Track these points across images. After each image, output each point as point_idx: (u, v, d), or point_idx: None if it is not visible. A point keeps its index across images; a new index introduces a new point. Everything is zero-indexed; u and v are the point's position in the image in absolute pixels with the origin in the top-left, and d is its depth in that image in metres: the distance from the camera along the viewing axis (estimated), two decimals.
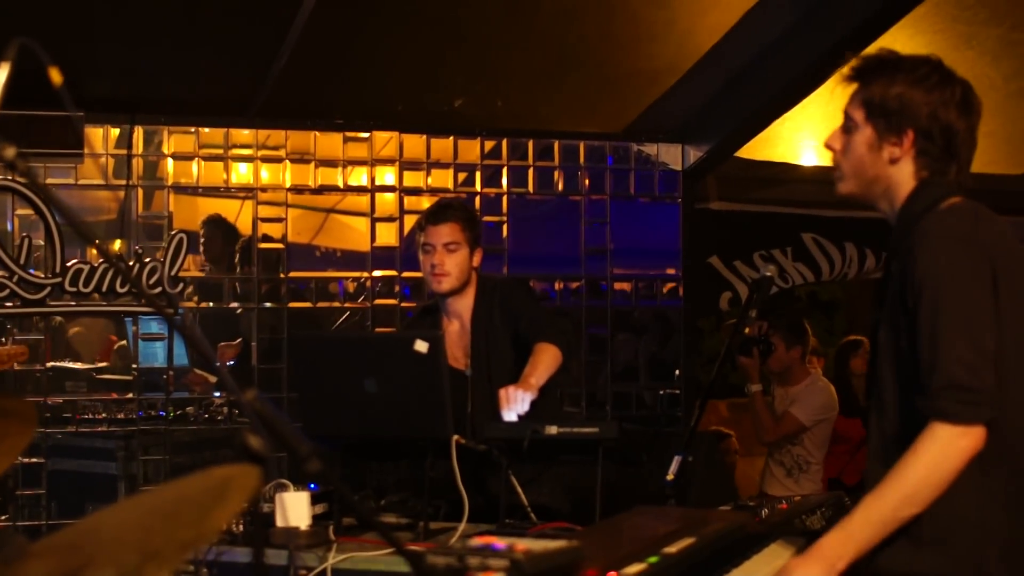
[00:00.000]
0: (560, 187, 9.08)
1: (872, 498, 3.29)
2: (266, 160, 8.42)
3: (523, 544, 2.76)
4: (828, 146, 3.64)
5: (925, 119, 3.44)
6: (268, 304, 8.39)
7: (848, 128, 3.59)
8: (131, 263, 7.77)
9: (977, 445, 3.20)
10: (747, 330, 7.99)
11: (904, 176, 3.49)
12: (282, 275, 8.42)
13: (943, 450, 3.20)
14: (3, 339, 7.71)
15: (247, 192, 8.42)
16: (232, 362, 8.32)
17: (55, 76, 2.31)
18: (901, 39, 7.41)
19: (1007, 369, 3.28)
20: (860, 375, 9.12)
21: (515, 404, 5.21)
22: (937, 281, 3.25)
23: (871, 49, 7.09)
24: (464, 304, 5.87)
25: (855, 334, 10.50)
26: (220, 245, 8.44)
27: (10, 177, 7.52)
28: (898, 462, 3.24)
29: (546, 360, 5.50)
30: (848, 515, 3.33)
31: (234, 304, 8.33)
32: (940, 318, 3.22)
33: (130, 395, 8.04)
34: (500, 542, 2.76)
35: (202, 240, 8.33)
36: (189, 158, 8.23)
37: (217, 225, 8.43)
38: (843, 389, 8.86)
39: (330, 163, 8.53)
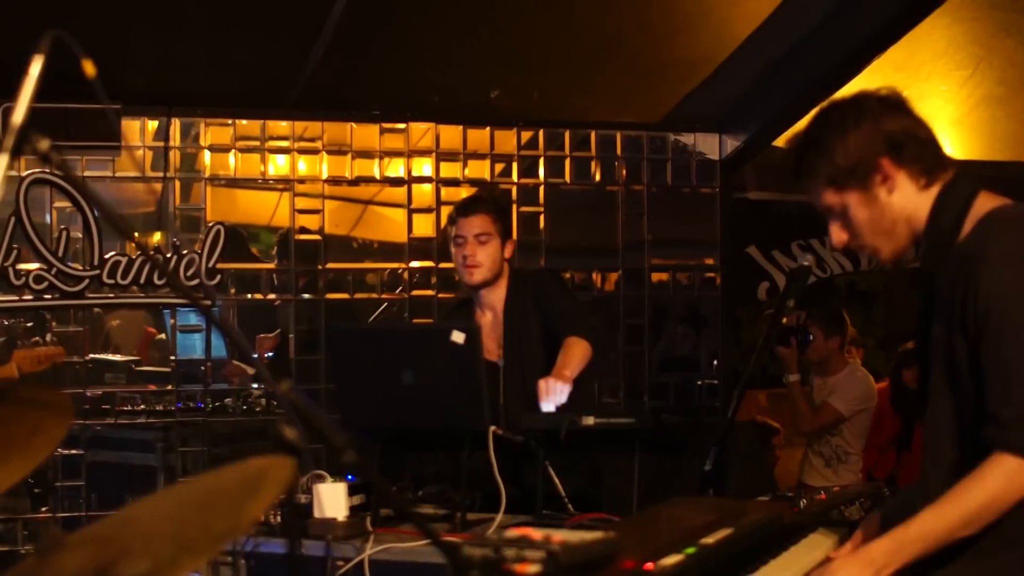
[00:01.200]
0: (597, 178, 9.07)
1: (931, 515, 3.26)
2: (303, 152, 8.42)
3: (559, 535, 2.75)
4: (838, 245, 3.59)
5: (882, 141, 3.40)
6: (306, 296, 8.39)
7: (836, 215, 3.53)
8: (168, 255, 7.78)
9: None
10: (785, 320, 7.97)
11: (911, 197, 3.42)
12: (319, 267, 8.42)
13: (1011, 481, 3.16)
14: (42, 336, 7.74)
15: (284, 184, 8.42)
16: (270, 354, 8.33)
17: (88, 68, 2.31)
18: (939, 27, 7.39)
19: None
20: (913, 389, 9.04)
21: (554, 395, 5.20)
22: (1004, 308, 3.18)
23: (907, 39, 7.08)
24: (497, 296, 5.89)
25: (894, 325, 10.46)
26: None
27: (48, 170, 7.53)
28: (960, 485, 3.20)
29: (577, 354, 5.50)
30: (903, 525, 3.30)
31: (271, 296, 8.34)
32: (1008, 348, 3.16)
33: (169, 387, 8.06)
34: (537, 533, 2.75)
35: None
36: (226, 150, 8.24)
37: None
38: (897, 393, 8.79)
39: (367, 154, 8.53)
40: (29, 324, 7.82)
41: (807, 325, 8.12)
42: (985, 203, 3.37)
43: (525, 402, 5.53)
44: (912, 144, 3.39)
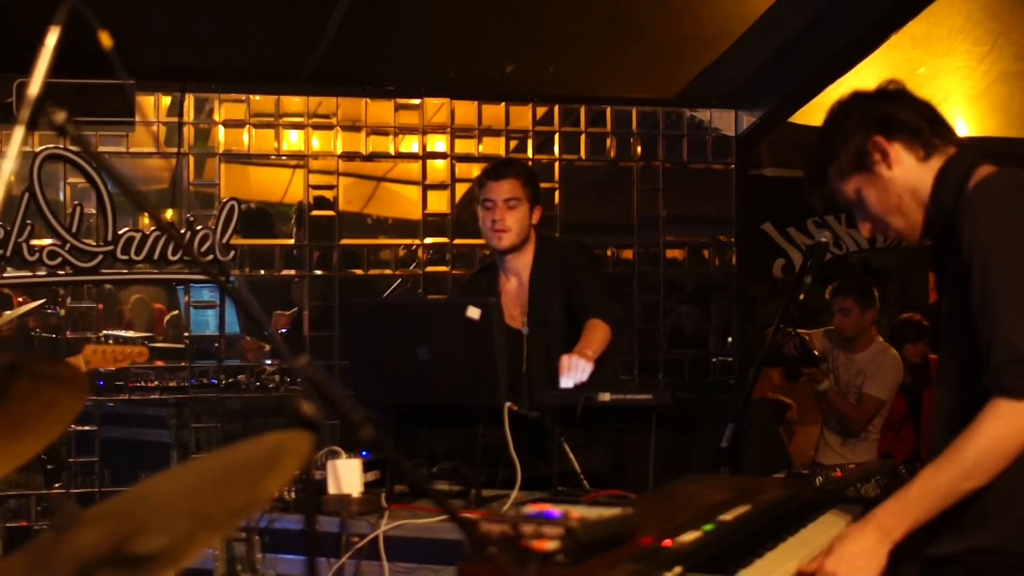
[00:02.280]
0: (612, 153, 9.06)
1: (932, 470, 3.26)
2: (317, 128, 8.42)
3: (578, 512, 2.73)
4: (866, 235, 3.66)
5: (871, 123, 3.43)
6: (319, 272, 8.38)
7: (855, 206, 3.60)
8: (183, 231, 7.78)
9: None
10: (790, 345, 8.02)
11: (912, 169, 3.45)
12: (333, 243, 8.41)
13: (1007, 425, 3.15)
14: (59, 309, 7.75)
15: (298, 160, 8.41)
16: (284, 330, 8.32)
17: (105, 40, 2.28)
18: (958, 2, 7.38)
19: None
20: (913, 364, 9.01)
21: (575, 372, 5.18)
22: (985, 253, 3.19)
23: (924, 15, 7.06)
24: (523, 262, 5.87)
25: (908, 301, 10.43)
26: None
27: (62, 146, 7.53)
28: (960, 436, 3.20)
29: (599, 336, 5.48)
30: (906, 486, 3.29)
31: (285, 272, 8.33)
32: (992, 290, 3.17)
33: (182, 363, 8.06)
34: (555, 509, 2.74)
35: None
36: (240, 126, 8.23)
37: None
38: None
39: (381, 130, 8.52)
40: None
41: (807, 343, 8.13)
42: (985, 172, 3.37)
43: (547, 373, 5.53)
44: (900, 119, 3.42)
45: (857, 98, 3.54)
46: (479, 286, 6.04)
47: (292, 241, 8.38)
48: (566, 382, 5.15)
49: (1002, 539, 3.28)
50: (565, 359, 5.21)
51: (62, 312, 7.77)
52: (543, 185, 8.63)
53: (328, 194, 8.42)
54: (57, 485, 7.76)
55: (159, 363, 8.01)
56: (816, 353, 8.12)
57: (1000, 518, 3.26)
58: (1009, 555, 3.29)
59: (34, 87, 2.15)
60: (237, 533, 4.52)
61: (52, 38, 2.22)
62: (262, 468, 1.92)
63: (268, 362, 8.15)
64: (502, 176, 5.81)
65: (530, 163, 8.77)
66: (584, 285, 5.76)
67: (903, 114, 3.44)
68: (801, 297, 4.99)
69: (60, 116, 2.14)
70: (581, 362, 5.20)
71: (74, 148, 7.50)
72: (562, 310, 5.76)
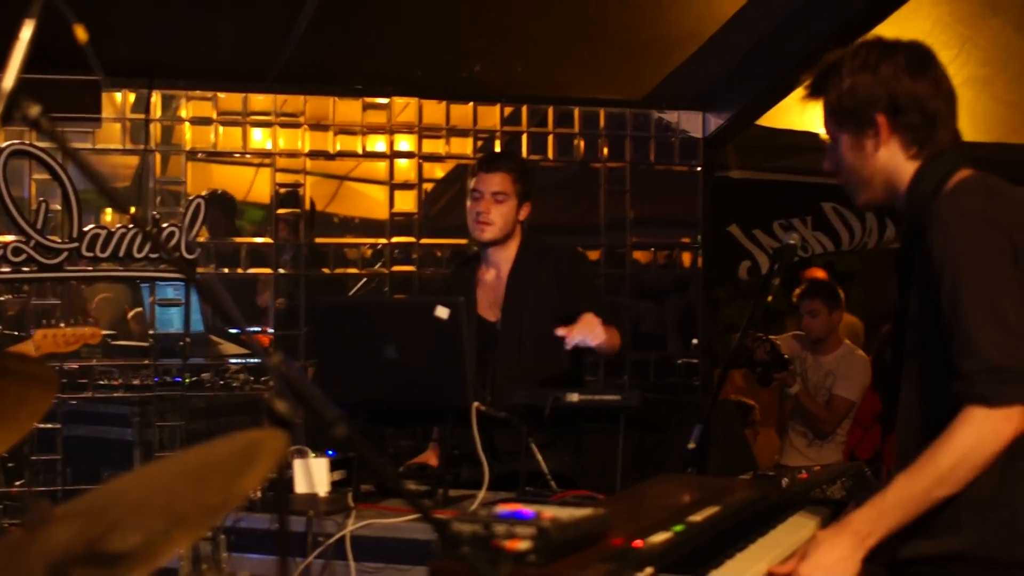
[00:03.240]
0: (580, 154, 9.04)
1: (906, 478, 3.26)
2: (284, 126, 8.39)
3: (550, 512, 2.73)
4: (825, 170, 3.64)
5: (886, 97, 3.42)
6: (282, 271, 8.35)
7: (831, 144, 3.60)
8: (149, 228, 7.75)
9: (1019, 426, 3.17)
10: (761, 350, 8.05)
11: (898, 160, 3.47)
12: (300, 241, 8.38)
13: (980, 434, 3.17)
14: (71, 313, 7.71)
15: (265, 158, 8.38)
16: (252, 328, 8.30)
17: (80, 33, 2.27)
18: (926, 6, 7.39)
19: None
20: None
21: (587, 329, 5.16)
22: (956, 263, 3.20)
23: (892, 19, 7.09)
24: (504, 255, 5.86)
25: (871, 304, 10.47)
26: (223, 222, 8.41)
27: (27, 141, 7.49)
28: (933, 444, 3.21)
29: (612, 334, 5.44)
30: (881, 493, 3.30)
31: (253, 270, 8.30)
32: (963, 301, 3.18)
33: (146, 361, 8.01)
34: (527, 509, 2.73)
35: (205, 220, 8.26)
36: (207, 123, 8.19)
37: (216, 202, 8.39)
38: (879, 372, 8.83)
39: (349, 130, 8.49)
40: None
41: (776, 348, 8.16)
42: (961, 176, 3.39)
43: (518, 369, 5.54)
44: (913, 112, 3.41)
45: (896, 55, 3.47)
46: (461, 277, 6.04)
47: (259, 239, 8.35)
48: (574, 340, 5.13)
49: (973, 544, 3.29)
50: (587, 316, 5.20)
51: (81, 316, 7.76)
52: None
53: (294, 193, 8.38)
54: (18, 483, 7.70)
55: (123, 361, 7.96)
56: (786, 357, 8.16)
57: (971, 523, 3.28)
58: (980, 560, 3.30)
59: (8, 81, 2.13)
60: (205, 533, 4.50)
61: (27, 31, 2.20)
62: (237, 466, 1.91)
63: (232, 361, 8.12)
64: (493, 169, 5.81)
65: None
66: (588, 300, 5.71)
67: (917, 109, 3.42)
68: (769, 299, 5.01)
69: (34, 110, 2.12)
70: (595, 321, 5.19)
71: (40, 144, 7.45)
72: (546, 308, 5.73)
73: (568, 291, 5.71)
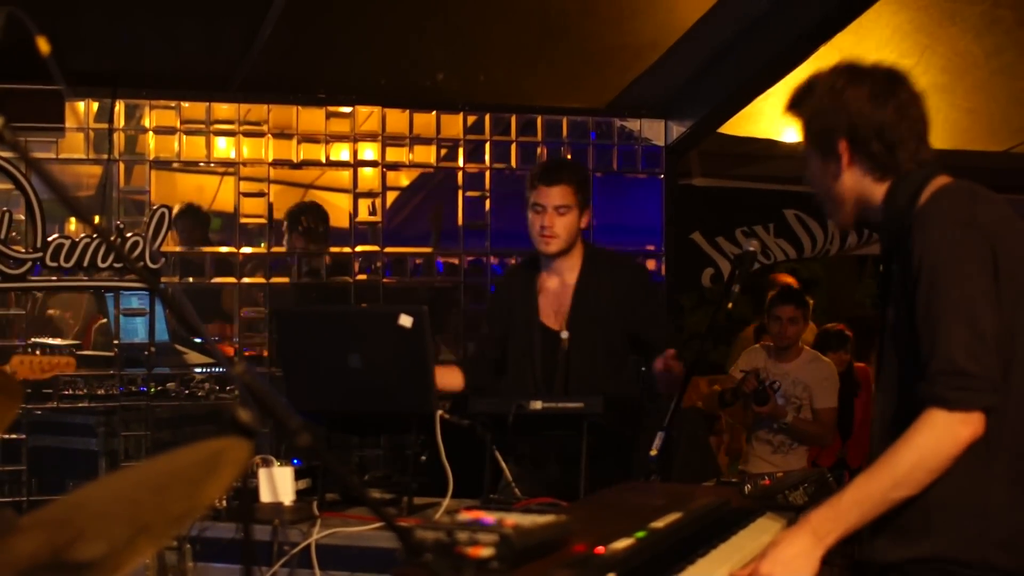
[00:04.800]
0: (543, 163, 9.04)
1: (864, 479, 3.29)
2: (248, 135, 8.38)
3: (512, 519, 2.75)
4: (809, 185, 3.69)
5: (847, 126, 3.46)
6: (246, 280, 8.34)
7: (808, 162, 3.65)
8: (113, 238, 7.73)
9: (975, 432, 3.19)
10: (748, 386, 8.10)
11: (864, 184, 3.51)
12: (265, 250, 8.38)
13: (938, 437, 3.19)
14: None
15: (229, 167, 8.38)
16: (216, 337, 8.29)
17: (43, 45, 2.28)
18: (885, 15, 7.43)
19: (1012, 352, 3.27)
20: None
21: (671, 383, 5.25)
22: (934, 265, 3.23)
23: (852, 27, 7.13)
24: (568, 264, 5.90)
25: (835, 311, 10.51)
26: (198, 232, 8.42)
27: None
28: (893, 445, 3.24)
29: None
30: (839, 493, 3.33)
31: (217, 279, 8.29)
32: (938, 302, 3.21)
33: (111, 371, 7.99)
34: (489, 517, 2.75)
35: (178, 233, 8.26)
36: (171, 132, 8.18)
37: (189, 215, 8.40)
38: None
39: (312, 138, 8.49)
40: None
41: (771, 385, 8.19)
42: (940, 183, 3.41)
43: (589, 380, 5.61)
44: (873, 142, 3.44)
45: (863, 82, 3.50)
46: (516, 281, 6.14)
47: (223, 249, 8.34)
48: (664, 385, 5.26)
49: (944, 547, 3.32)
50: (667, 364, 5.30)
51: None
52: (473, 194, 8.70)
53: (259, 202, 8.38)
54: None
55: (88, 371, 7.93)
56: (774, 387, 8.18)
57: (940, 527, 3.31)
58: (948, 563, 3.33)
59: None
60: (169, 542, 4.50)
61: None
62: (201, 475, 1.92)
63: (197, 370, 8.10)
64: (554, 182, 5.79)
65: (460, 172, 8.77)
66: (657, 335, 5.81)
67: (880, 136, 3.45)
68: (729, 306, 5.02)
69: None
70: (678, 371, 5.31)
71: (3, 154, 7.43)
72: (612, 325, 5.82)
73: (636, 311, 5.80)
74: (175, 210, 8.19)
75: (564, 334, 5.79)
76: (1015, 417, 3.28)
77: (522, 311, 5.94)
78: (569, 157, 9.02)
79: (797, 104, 3.62)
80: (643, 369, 9.04)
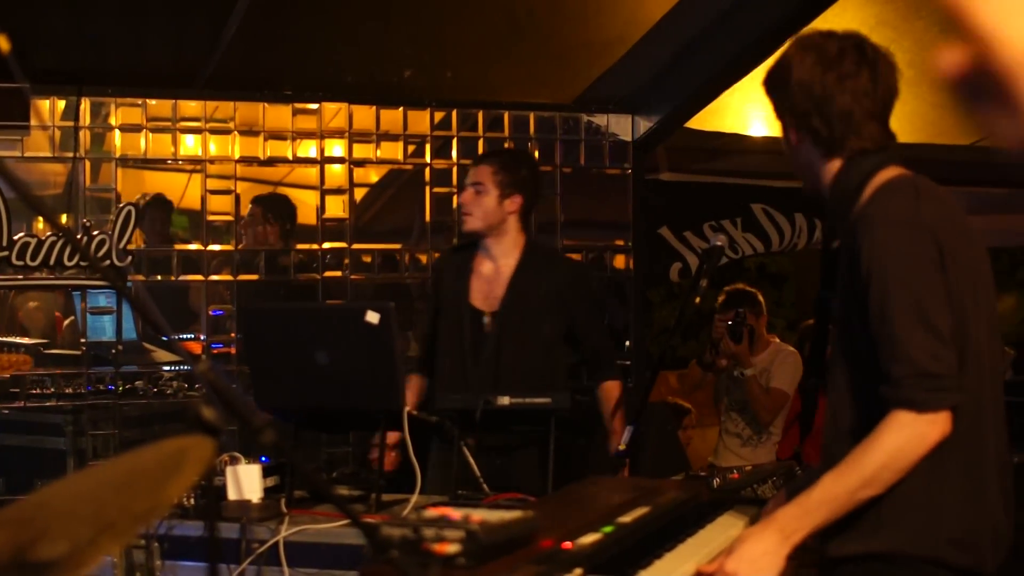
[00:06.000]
0: None
1: (831, 478, 3.30)
2: (214, 132, 8.34)
3: (478, 515, 2.75)
4: None
5: (789, 97, 3.47)
6: (215, 277, 8.32)
7: None
8: (79, 236, 7.70)
9: (944, 431, 3.21)
10: (729, 319, 8.13)
11: (813, 158, 3.52)
12: (232, 248, 8.35)
13: (907, 438, 3.21)
14: None
15: (195, 164, 8.36)
16: (187, 335, 8.26)
17: (3, 43, 2.27)
18: (851, 8, 7.45)
19: (964, 347, 3.28)
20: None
21: None
22: (884, 268, 3.24)
23: (818, 22, 7.14)
24: (502, 250, 6.05)
25: (804, 304, 10.53)
26: (164, 225, 8.40)
27: None
28: (860, 445, 3.25)
29: (621, 410, 5.77)
30: (807, 492, 3.34)
31: (184, 277, 8.26)
32: (891, 306, 3.21)
33: (79, 370, 7.96)
34: (455, 513, 2.75)
35: (145, 225, 8.23)
36: (137, 130, 8.14)
37: (156, 206, 8.37)
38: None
39: (279, 135, 8.46)
40: None
41: (745, 319, 8.23)
42: (888, 174, 3.42)
43: (522, 370, 5.71)
44: (814, 116, 3.44)
45: (809, 51, 3.50)
46: (451, 261, 6.29)
47: (190, 246, 8.32)
48: None
49: (898, 543, 3.34)
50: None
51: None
52: (441, 190, 8.68)
53: (226, 199, 8.35)
54: None
55: (56, 370, 7.90)
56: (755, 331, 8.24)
57: (895, 522, 3.32)
58: (904, 559, 3.34)
59: None
60: (136, 540, 4.49)
61: None
62: (164, 473, 1.92)
63: (165, 368, 8.07)
64: (476, 162, 6.14)
65: (428, 168, 8.76)
66: (594, 336, 5.94)
67: (821, 110, 3.44)
68: (697, 300, 5.04)
69: None
70: None
71: None
72: (546, 321, 5.94)
73: (571, 307, 5.88)
74: (142, 202, 8.18)
75: (486, 318, 5.90)
76: (967, 414, 3.29)
77: (453, 290, 6.06)
78: (537, 153, 9.02)
79: (766, 78, 3.63)
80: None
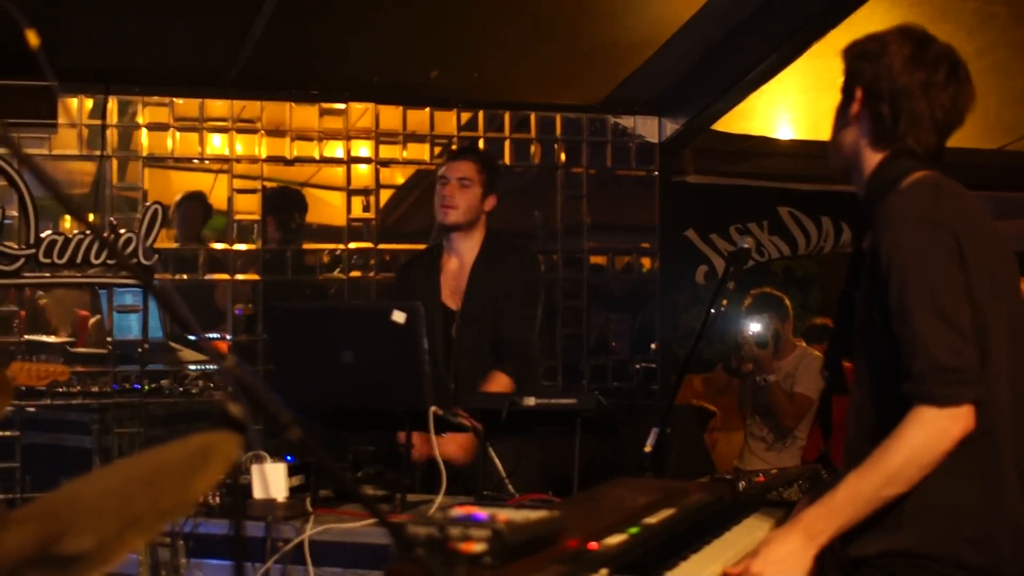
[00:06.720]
0: (537, 159, 9.05)
1: (856, 477, 3.29)
2: (241, 131, 8.37)
3: (504, 514, 2.74)
4: None
5: (871, 74, 3.45)
6: (240, 276, 8.33)
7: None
8: (106, 234, 7.71)
9: (967, 426, 3.20)
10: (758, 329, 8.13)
11: (861, 144, 3.51)
12: (258, 247, 8.36)
13: (929, 434, 3.19)
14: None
15: (222, 164, 8.37)
16: (212, 334, 8.27)
17: (32, 38, 2.26)
18: (879, 12, 7.41)
19: (986, 346, 3.27)
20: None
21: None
22: (903, 265, 3.23)
23: (845, 24, 7.12)
24: (467, 245, 6.17)
25: (830, 307, 10.48)
26: (199, 222, 8.41)
27: None
28: (884, 443, 3.23)
29: (501, 382, 5.88)
30: (831, 492, 3.33)
31: (211, 276, 8.28)
32: (911, 302, 3.20)
33: (105, 368, 7.97)
34: (481, 512, 2.74)
35: (178, 218, 8.26)
36: (164, 129, 8.16)
37: (194, 200, 8.39)
38: None
39: (306, 135, 8.48)
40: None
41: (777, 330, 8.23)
42: (915, 178, 3.42)
43: (480, 359, 5.70)
44: (885, 103, 3.43)
45: (908, 44, 3.49)
46: (420, 264, 6.38)
47: (217, 245, 8.33)
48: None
49: (916, 542, 3.32)
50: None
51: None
52: None
53: (252, 198, 8.36)
54: None
55: (81, 368, 7.91)
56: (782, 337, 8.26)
57: (912, 522, 3.30)
58: (919, 558, 3.33)
59: None
60: (161, 538, 4.49)
61: None
62: (190, 469, 1.91)
63: (192, 367, 8.08)
64: (459, 157, 6.20)
65: None
66: (510, 323, 5.96)
67: (894, 101, 3.44)
68: (724, 303, 5.02)
69: None
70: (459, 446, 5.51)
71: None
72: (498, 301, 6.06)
73: (507, 298, 5.91)
74: (177, 198, 8.23)
75: (458, 312, 6.12)
76: (989, 414, 3.27)
77: (425, 290, 6.12)
78: (564, 155, 9.02)
79: (853, 44, 3.61)
80: (637, 367, 9.10)
